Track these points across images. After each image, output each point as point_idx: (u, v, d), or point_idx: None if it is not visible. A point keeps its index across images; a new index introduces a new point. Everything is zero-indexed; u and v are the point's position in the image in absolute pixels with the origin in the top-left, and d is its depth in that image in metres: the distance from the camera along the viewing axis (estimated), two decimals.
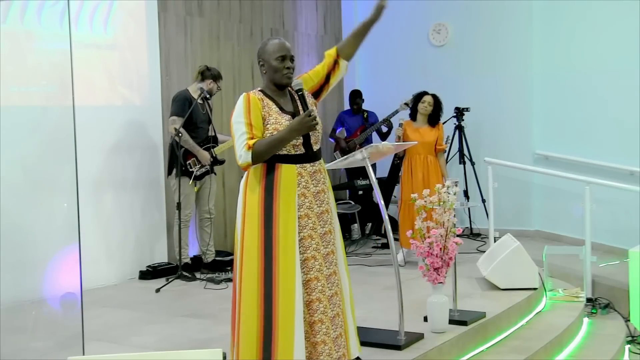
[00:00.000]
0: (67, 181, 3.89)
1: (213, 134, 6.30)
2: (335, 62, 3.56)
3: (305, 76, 3.53)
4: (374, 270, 6.42)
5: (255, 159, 3.26)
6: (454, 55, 8.44)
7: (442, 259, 4.20)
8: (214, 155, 6.21)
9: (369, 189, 7.87)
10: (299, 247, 3.30)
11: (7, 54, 4.10)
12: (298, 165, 3.34)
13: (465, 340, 4.35)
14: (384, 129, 8.03)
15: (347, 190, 8.32)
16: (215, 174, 6.36)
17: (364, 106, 8.30)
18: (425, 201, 4.24)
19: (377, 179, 4.55)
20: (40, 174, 4.38)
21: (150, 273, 6.25)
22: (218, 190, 6.67)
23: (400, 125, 6.53)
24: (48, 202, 4.37)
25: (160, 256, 6.57)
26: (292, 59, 3.40)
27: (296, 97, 3.45)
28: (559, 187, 7.54)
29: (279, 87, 3.42)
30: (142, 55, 6.51)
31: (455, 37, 8.48)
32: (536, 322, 5.20)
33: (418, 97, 6.48)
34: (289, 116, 3.36)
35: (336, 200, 7.94)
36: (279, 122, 3.31)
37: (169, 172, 6.23)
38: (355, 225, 7.85)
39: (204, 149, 6.15)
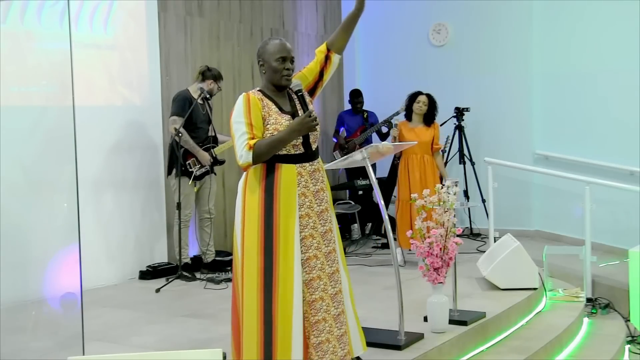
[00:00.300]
0: (67, 181, 3.89)
1: (213, 134, 6.30)
2: (327, 58, 3.55)
3: (301, 74, 3.54)
4: (374, 270, 6.41)
5: (255, 159, 3.26)
6: (454, 55, 8.45)
7: (442, 259, 4.20)
8: (214, 155, 6.21)
9: (369, 189, 7.87)
10: (301, 247, 3.31)
11: (7, 54, 4.10)
12: (298, 164, 3.35)
13: (465, 340, 4.35)
14: (384, 129, 8.03)
15: (347, 190, 8.32)
16: (215, 174, 6.36)
17: (364, 106, 8.30)
18: (425, 201, 4.24)
19: (377, 179, 4.55)
20: (40, 174, 4.38)
21: (150, 273, 6.25)
22: (218, 190, 6.67)
23: (395, 125, 6.54)
24: (48, 202, 4.37)
25: (160, 256, 6.57)
26: (292, 61, 3.40)
27: (294, 97, 3.45)
28: (559, 187, 7.54)
29: (278, 87, 3.43)
30: (142, 55, 6.51)
31: (455, 37, 8.48)
32: (536, 322, 5.20)
33: (412, 97, 6.48)
34: (289, 116, 3.36)
35: (336, 200, 8.01)
36: (279, 122, 3.32)
37: (169, 172, 6.23)
38: (355, 225, 7.85)
39: (204, 149, 6.15)
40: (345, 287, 3.48)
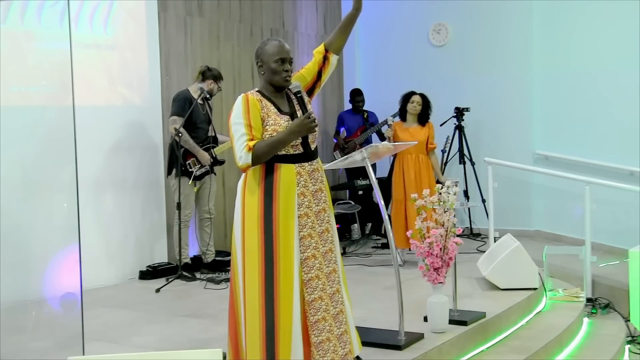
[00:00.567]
0: (67, 181, 3.89)
1: (213, 134, 6.30)
2: (325, 58, 3.55)
3: (299, 75, 3.53)
4: (374, 270, 6.41)
5: (255, 161, 3.26)
6: (454, 55, 8.44)
7: (442, 259, 4.20)
8: (214, 155, 6.21)
9: (369, 189, 7.87)
10: (299, 247, 3.31)
11: (7, 54, 4.10)
12: (297, 164, 3.35)
13: (465, 340, 4.35)
14: (384, 129, 8.03)
15: (347, 190, 8.32)
16: (215, 174, 6.36)
17: (364, 106, 8.30)
18: (425, 201, 4.24)
19: (377, 179, 4.55)
20: (40, 174, 4.38)
21: (150, 273, 6.25)
22: (218, 190, 6.67)
23: (390, 126, 6.55)
24: (48, 202, 4.38)
25: (160, 256, 6.57)
26: (290, 62, 3.40)
27: (293, 97, 3.45)
28: (559, 187, 7.54)
29: (276, 88, 3.42)
30: (142, 55, 6.51)
31: (455, 37, 8.48)
32: (536, 322, 5.19)
33: (406, 97, 6.49)
34: (288, 117, 3.36)
35: (336, 200, 8.00)
36: (278, 123, 3.32)
37: (169, 172, 6.23)
38: (355, 225, 7.85)
39: (203, 149, 6.15)
40: (343, 287, 3.49)
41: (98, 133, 6.05)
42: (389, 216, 6.36)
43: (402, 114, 6.51)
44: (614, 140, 7.31)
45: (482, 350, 4.47)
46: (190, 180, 6.11)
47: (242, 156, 3.25)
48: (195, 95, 6.10)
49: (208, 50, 7.11)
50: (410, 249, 4.86)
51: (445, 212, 4.22)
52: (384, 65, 8.92)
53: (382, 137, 8.13)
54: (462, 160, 7.99)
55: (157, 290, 5.74)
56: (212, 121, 6.29)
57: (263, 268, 3.26)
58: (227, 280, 5.86)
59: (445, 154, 7.95)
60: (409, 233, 4.29)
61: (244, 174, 3.39)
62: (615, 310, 5.88)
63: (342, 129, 8.25)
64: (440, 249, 4.18)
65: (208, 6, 7.11)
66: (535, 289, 5.42)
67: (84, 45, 5.94)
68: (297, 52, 8.14)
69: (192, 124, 6.08)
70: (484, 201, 7.54)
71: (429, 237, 4.17)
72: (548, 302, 5.62)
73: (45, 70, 4.45)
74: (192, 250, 6.46)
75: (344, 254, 7.07)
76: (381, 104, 8.20)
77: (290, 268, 3.26)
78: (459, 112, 8.02)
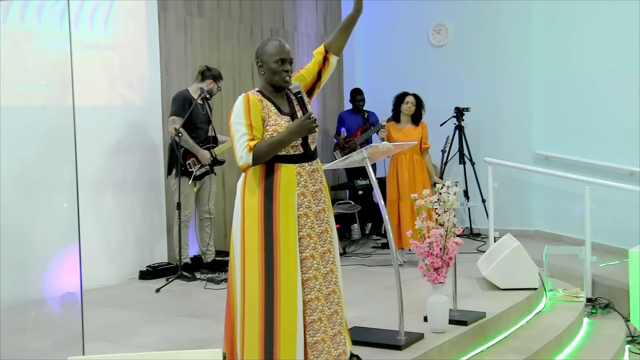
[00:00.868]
0: (67, 181, 3.89)
1: (213, 134, 6.29)
2: (325, 59, 3.55)
3: (299, 75, 3.53)
4: (374, 270, 6.41)
5: (255, 161, 3.26)
6: (454, 55, 8.45)
7: (442, 259, 4.20)
8: (213, 155, 6.20)
9: (369, 189, 7.87)
10: (298, 247, 3.31)
11: (7, 54, 4.10)
12: (297, 165, 3.35)
13: (465, 340, 4.35)
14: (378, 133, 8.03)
15: (347, 190, 8.32)
16: (215, 174, 6.36)
17: (364, 106, 8.30)
18: (425, 201, 4.24)
19: (377, 179, 4.54)
20: (40, 174, 4.39)
21: (150, 273, 6.25)
22: (218, 190, 6.67)
23: (383, 126, 6.57)
24: (48, 202, 4.38)
25: (160, 256, 6.57)
26: (290, 62, 3.40)
27: (293, 98, 3.45)
28: (559, 187, 7.54)
29: (276, 88, 3.42)
30: (142, 55, 6.51)
31: (455, 37, 8.48)
32: (536, 322, 5.19)
33: (400, 98, 6.51)
34: (288, 117, 3.37)
35: (336, 200, 7.99)
36: (278, 123, 3.32)
37: (169, 172, 6.23)
38: (355, 225, 7.85)
39: (203, 149, 6.15)
40: (339, 288, 3.49)
41: (98, 133, 6.05)
42: None
43: (396, 114, 6.53)
44: (614, 140, 7.31)
45: (482, 350, 4.47)
46: (190, 180, 6.11)
47: (243, 156, 3.25)
48: (195, 95, 6.10)
49: (208, 50, 7.11)
50: (410, 249, 4.85)
51: (445, 212, 4.22)
52: (384, 65, 8.92)
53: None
54: (462, 160, 7.99)
55: (157, 290, 5.74)
56: (212, 121, 6.29)
57: (263, 268, 3.26)
58: (227, 280, 5.86)
59: (445, 154, 7.95)
60: (408, 233, 4.29)
61: (243, 174, 3.38)
62: (615, 310, 5.88)
63: (342, 129, 8.25)
64: (440, 249, 4.18)
65: (208, 6, 7.11)
66: (535, 289, 5.42)
67: (84, 45, 5.94)
68: (297, 52, 8.15)
69: (192, 124, 6.08)
70: (484, 201, 7.54)
71: (429, 237, 4.17)
72: (548, 302, 5.62)
73: (45, 70, 4.45)
74: (192, 250, 6.46)
75: (344, 254, 7.07)
76: (381, 104, 8.17)
77: (292, 268, 3.26)
78: (459, 112, 8.02)
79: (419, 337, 4.15)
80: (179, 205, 6.05)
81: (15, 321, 4.31)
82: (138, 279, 6.27)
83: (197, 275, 6.10)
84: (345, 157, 4.23)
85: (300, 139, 3.34)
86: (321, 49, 3.58)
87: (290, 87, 3.45)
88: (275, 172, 3.32)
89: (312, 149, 3.42)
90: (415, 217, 4.30)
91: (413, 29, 8.70)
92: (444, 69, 8.46)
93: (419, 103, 6.48)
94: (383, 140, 6.43)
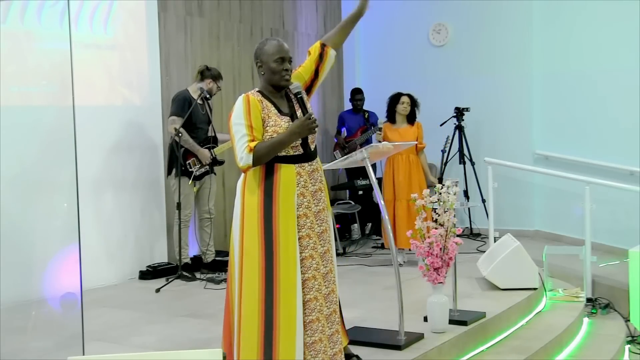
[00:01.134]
0: (67, 181, 3.89)
1: (213, 134, 6.29)
2: (321, 55, 3.54)
3: (297, 73, 3.53)
4: (374, 270, 6.41)
5: (256, 162, 3.25)
6: (454, 55, 8.45)
7: (442, 259, 4.20)
8: (213, 155, 6.20)
9: (369, 189, 7.87)
10: (298, 247, 3.31)
11: (7, 54, 4.11)
12: (297, 165, 3.35)
13: (465, 340, 4.35)
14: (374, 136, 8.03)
15: (347, 190, 8.33)
16: (215, 174, 6.36)
17: (364, 106, 8.30)
18: (425, 201, 4.24)
19: (377, 179, 4.55)
20: (40, 174, 4.39)
21: (150, 273, 6.25)
22: (218, 190, 6.67)
23: (380, 128, 6.58)
24: (48, 202, 4.38)
25: (160, 256, 6.57)
26: (290, 61, 3.40)
27: (293, 98, 3.45)
28: (559, 187, 7.54)
29: (276, 88, 3.42)
30: (142, 55, 6.51)
31: (455, 37, 8.48)
32: (536, 322, 5.19)
33: (394, 98, 6.53)
34: (288, 118, 3.36)
35: (336, 200, 7.98)
36: (278, 124, 3.31)
37: (169, 172, 6.23)
38: (355, 225, 7.85)
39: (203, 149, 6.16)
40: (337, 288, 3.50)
41: (98, 133, 6.05)
42: None
43: (391, 115, 6.54)
44: (614, 140, 7.31)
45: (482, 350, 4.47)
46: (190, 180, 6.11)
47: (243, 157, 3.25)
48: (194, 96, 6.10)
49: (208, 50, 7.11)
50: (409, 249, 4.86)
51: (445, 212, 4.22)
52: (384, 65, 8.92)
53: None
54: (462, 160, 8.00)
55: (157, 290, 5.74)
56: (212, 121, 6.29)
57: (263, 268, 3.26)
58: (226, 280, 5.86)
59: (445, 154, 7.95)
60: (408, 233, 4.29)
61: (243, 174, 3.38)
62: (615, 310, 5.88)
63: (343, 129, 8.25)
64: (440, 249, 4.18)
65: (208, 6, 7.11)
66: (535, 289, 5.42)
67: (84, 45, 5.94)
68: (297, 52, 8.14)
69: (192, 124, 6.08)
70: (484, 201, 7.54)
71: (429, 237, 4.17)
72: (548, 302, 5.62)
73: (45, 70, 4.45)
74: (192, 250, 6.46)
75: (344, 254, 7.07)
76: (381, 103, 8.14)
77: (292, 268, 3.26)
78: (459, 112, 8.02)
79: (419, 337, 4.15)
80: (179, 205, 6.05)
81: (15, 321, 4.32)
82: (138, 279, 6.27)
83: (197, 275, 6.10)
84: (345, 157, 4.23)
85: (300, 139, 3.34)
86: (317, 45, 3.57)
87: (290, 87, 3.45)
88: (275, 173, 3.32)
89: (312, 149, 3.42)
90: (411, 217, 4.31)
91: (413, 29, 8.70)
92: (443, 69, 8.47)
93: (413, 103, 6.51)
94: (379, 142, 6.44)
